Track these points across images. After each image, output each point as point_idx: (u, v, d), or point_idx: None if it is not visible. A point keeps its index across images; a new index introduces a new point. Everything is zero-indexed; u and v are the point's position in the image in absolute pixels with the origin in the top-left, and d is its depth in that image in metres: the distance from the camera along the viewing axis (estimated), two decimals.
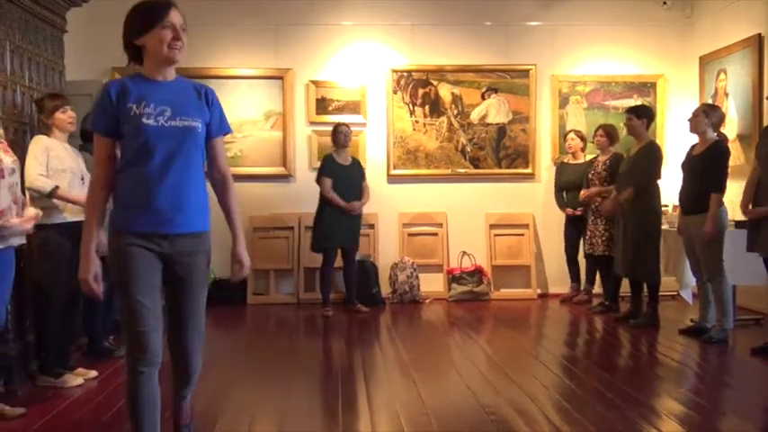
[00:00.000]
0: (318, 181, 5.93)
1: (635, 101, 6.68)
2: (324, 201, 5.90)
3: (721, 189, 4.55)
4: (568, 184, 6.24)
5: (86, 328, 4.31)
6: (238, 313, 6.12)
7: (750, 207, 4.33)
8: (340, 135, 5.93)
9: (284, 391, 3.72)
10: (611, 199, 5.34)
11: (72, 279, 3.78)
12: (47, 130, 3.82)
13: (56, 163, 3.71)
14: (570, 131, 6.47)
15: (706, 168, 4.59)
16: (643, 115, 5.26)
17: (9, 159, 3.20)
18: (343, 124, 6.03)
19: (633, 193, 5.07)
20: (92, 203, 2.35)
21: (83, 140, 4.33)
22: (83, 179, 3.85)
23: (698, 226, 4.60)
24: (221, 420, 3.24)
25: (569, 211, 6.23)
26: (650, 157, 5.14)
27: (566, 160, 6.47)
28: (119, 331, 4.92)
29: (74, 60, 5.14)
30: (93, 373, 3.90)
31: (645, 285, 5.31)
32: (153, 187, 2.28)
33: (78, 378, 3.77)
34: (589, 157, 6.24)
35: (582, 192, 5.90)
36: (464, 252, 6.61)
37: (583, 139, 6.36)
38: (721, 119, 4.95)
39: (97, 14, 5.92)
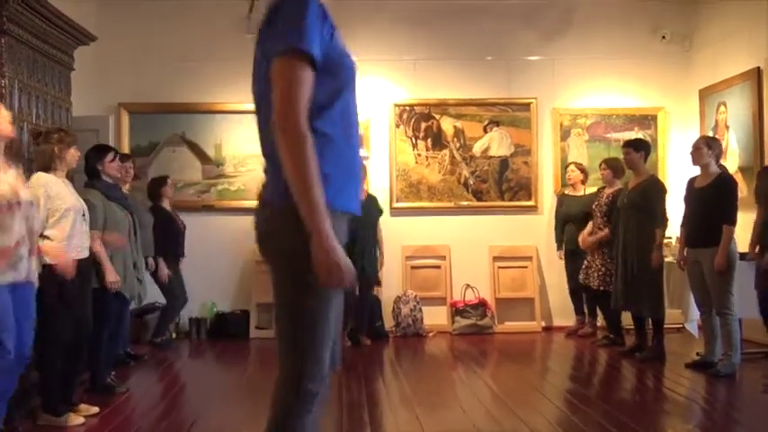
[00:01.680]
0: None
1: (636, 133, 6.72)
2: None
3: (733, 221, 4.54)
4: (568, 216, 6.25)
5: (89, 364, 4.29)
6: (241, 347, 6.09)
7: (757, 248, 4.31)
8: None
9: None
10: (599, 236, 5.31)
11: (79, 315, 3.81)
12: (51, 164, 3.70)
13: (59, 203, 3.62)
14: (570, 164, 6.51)
15: (714, 201, 4.60)
16: (641, 148, 5.29)
17: (27, 193, 3.22)
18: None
19: (662, 236, 5.07)
20: (315, 168, 1.54)
21: (89, 177, 4.35)
22: (84, 215, 3.85)
23: (708, 258, 4.58)
24: None
25: (559, 254, 6.34)
26: (661, 193, 5.17)
27: (566, 192, 6.49)
28: (121, 367, 4.92)
29: (80, 97, 5.21)
30: (95, 410, 3.87)
31: (649, 319, 5.28)
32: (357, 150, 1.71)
33: (79, 417, 3.73)
34: (590, 190, 6.26)
35: (581, 238, 5.91)
36: (467, 285, 6.59)
37: (583, 171, 6.39)
38: (721, 151, 4.97)
39: (103, 51, 6.03)
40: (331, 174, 1.60)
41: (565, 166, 6.63)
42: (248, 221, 7.48)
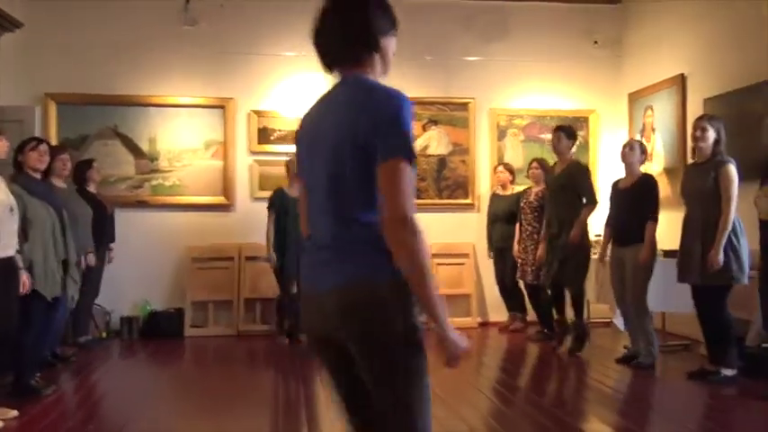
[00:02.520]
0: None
1: None
2: (276, 235, 5.74)
3: (656, 218, 4.75)
4: (496, 215, 6.43)
5: (12, 366, 4.11)
6: (175, 346, 5.95)
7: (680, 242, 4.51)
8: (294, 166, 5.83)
9: (222, 425, 3.63)
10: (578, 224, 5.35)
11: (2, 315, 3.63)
12: None
13: None
14: (499, 165, 6.67)
15: (639, 199, 4.80)
16: (571, 137, 5.43)
17: None
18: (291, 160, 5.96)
19: (593, 209, 5.23)
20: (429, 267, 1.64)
21: (17, 170, 4.17)
22: (12, 210, 3.69)
23: (632, 255, 4.77)
24: None
25: (489, 253, 6.53)
26: (586, 173, 5.34)
27: (496, 192, 6.64)
28: (46, 369, 4.73)
29: (4, 86, 5.00)
30: (14, 413, 3.70)
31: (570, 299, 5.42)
32: None
33: None
34: (518, 188, 6.43)
35: (515, 252, 6.07)
36: None
37: (512, 172, 6.57)
38: (647, 156, 5.25)
39: (31, 39, 5.79)
40: None
41: (494, 168, 6.77)
42: (184, 217, 7.35)
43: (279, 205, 5.76)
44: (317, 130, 1.76)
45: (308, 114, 1.85)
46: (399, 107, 1.64)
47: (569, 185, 5.26)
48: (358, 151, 1.64)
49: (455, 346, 1.68)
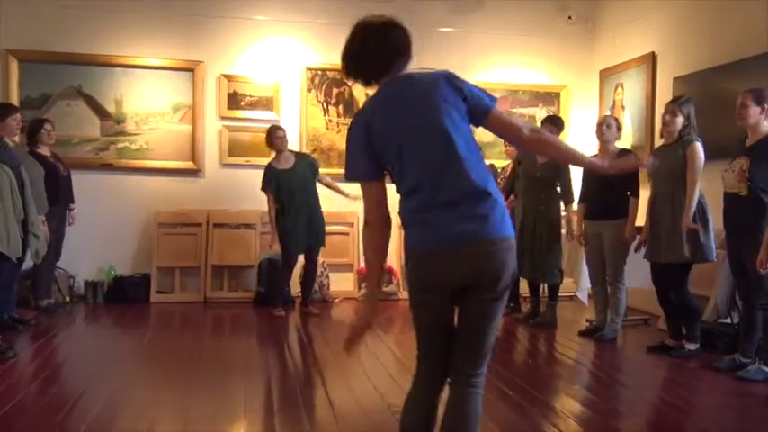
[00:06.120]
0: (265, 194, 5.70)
1: (540, 110, 6.97)
2: (281, 207, 5.66)
3: (637, 194, 4.81)
4: None
5: None
6: (141, 312, 5.89)
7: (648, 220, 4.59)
8: (277, 140, 5.68)
9: (186, 391, 3.62)
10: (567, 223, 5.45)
11: None
12: None
13: None
14: None
15: (617, 176, 4.83)
16: (558, 125, 5.50)
17: None
18: (279, 128, 5.79)
19: (571, 210, 5.32)
20: None
21: None
22: None
23: (609, 230, 4.84)
24: (121, 420, 3.12)
25: None
26: (569, 170, 5.37)
27: None
28: (7, 332, 4.64)
29: None
30: None
31: (544, 286, 5.56)
32: None
33: None
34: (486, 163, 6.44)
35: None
36: None
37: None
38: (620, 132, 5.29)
39: None
40: None
41: None
42: (151, 182, 7.21)
43: (275, 183, 5.62)
44: (408, 122, 1.98)
45: (372, 116, 2.02)
46: None
47: (553, 179, 5.31)
48: (461, 99, 2.00)
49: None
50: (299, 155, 5.90)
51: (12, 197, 4.16)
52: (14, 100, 6.01)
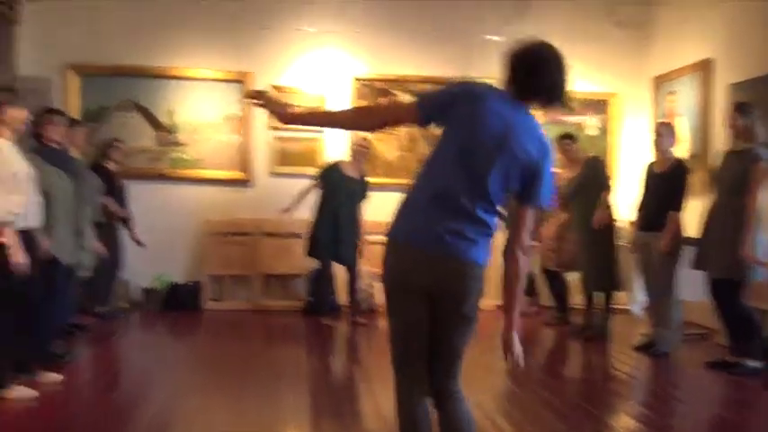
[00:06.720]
0: None
1: (590, 118, 6.86)
2: (318, 207, 5.75)
3: (680, 208, 4.70)
4: None
5: (36, 333, 4.14)
6: (193, 319, 6.01)
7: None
8: (358, 149, 5.82)
9: (237, 397, 3.66)
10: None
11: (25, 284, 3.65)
12: None
13: (8, 167, 3.43)
14: None
15: (669, 186, 4.75)
16: (577, 140, 5.69)
17: None
18: (365, 138, 5.88)
19: (606, 197, 5.33)
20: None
21: (36, 140, 4.20)
22: (31, 180, 3.70)
23: (657, 242, 4.73)
24: (175, 425, 3.18)
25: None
26: (601, 165, 5.52)
27: None
28: (66, 338, 4.78)
29: (26, 55, 5.00)
30: (58, 377, 3.76)
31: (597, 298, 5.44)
32: None
33: (25, 389, 3.57)
34: None
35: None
36: None
37: None
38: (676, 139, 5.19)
39: (54, 7, 5.78)
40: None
41: None
42: (202, 192, 7.36)
43: (329, 181, 5.69)
44: (492, 134, 2.04)
45: (480, 97, 2.10)
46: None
47: (589, 183, 5.34)
48: (527, 159, 2.06)
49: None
50: (363, 176, 5.93)
51: (70, 206, 4.29)
52: (75, 112, 6.22)
